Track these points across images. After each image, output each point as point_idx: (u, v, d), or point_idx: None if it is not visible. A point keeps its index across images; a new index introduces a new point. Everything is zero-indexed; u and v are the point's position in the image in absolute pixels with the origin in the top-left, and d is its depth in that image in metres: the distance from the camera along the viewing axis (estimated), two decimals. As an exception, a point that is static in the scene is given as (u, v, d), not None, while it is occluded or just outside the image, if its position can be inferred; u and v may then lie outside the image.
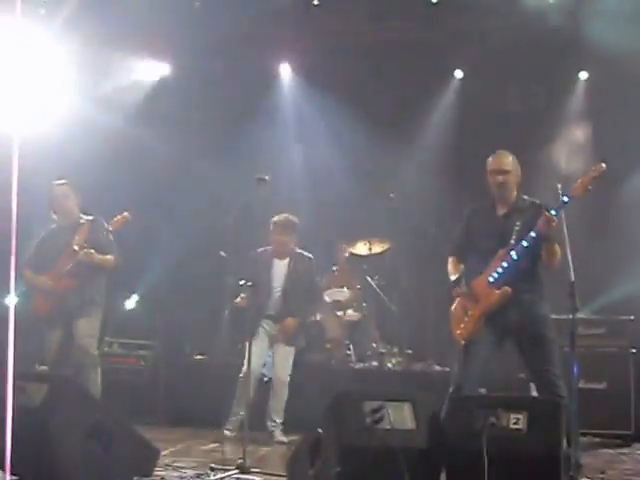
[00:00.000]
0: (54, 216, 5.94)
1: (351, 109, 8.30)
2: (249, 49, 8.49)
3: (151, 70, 8.97)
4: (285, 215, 6.42)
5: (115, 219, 5.82)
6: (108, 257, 5.77)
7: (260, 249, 6.48)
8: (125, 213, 5.83)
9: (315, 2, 8.24)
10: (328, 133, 8.70)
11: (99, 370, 5.75)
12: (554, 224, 4.48)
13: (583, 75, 8.50)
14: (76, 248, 5.65)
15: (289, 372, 6.35)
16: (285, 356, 6.36)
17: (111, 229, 5.79)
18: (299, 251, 6.48)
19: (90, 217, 5.93)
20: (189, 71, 8.87)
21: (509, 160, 4.87)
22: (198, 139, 8.83)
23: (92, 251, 5.65)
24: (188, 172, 8.65)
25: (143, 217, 8.02)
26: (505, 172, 4.82)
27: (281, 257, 6.43)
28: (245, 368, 5.47)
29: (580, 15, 7.51)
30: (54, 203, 5.91)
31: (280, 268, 6.41)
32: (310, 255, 6.48)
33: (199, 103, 8.86)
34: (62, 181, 5.98)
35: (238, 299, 6.54)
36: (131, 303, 8.43)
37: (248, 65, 8.61)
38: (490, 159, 4.89)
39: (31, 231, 6.03)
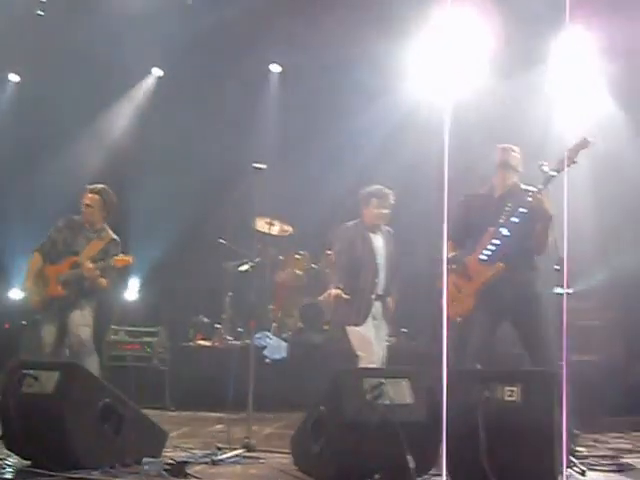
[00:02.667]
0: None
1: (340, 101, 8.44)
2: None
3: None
4: (379, 186, 5.88)
5: (120, 257, 5.77)
6: (103, 281, 5.81)
7: (350, 223, 5.94)
8: (129, 257, 5.81)
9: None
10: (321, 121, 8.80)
11: (96, 357, 5.87)
12: (540, 197, 4.59)
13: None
14: (79, 262, 5.73)
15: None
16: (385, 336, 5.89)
17: (112, 263, 5.74)
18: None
19: (113, 236, 5.92)
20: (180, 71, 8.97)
21: (516, 154, 5.05)
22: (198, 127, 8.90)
23: (98, 273, 5.71)
24: (184, 160, 8.75)
25: (143, 204, 8.24)
26: (514, 150, 5.01)
27: (375, 231, 5.87)
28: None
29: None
30: (82, 209, 5.92)
31: (379, 243, 5.85)
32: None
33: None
34: (94, 186, 5.95)
35: (327, 294, 5.85)
36: (132, 293, 8.56)
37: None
38: (500, 151, 5.07)
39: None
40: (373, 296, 5.70)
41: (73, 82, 8.39)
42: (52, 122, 8.40)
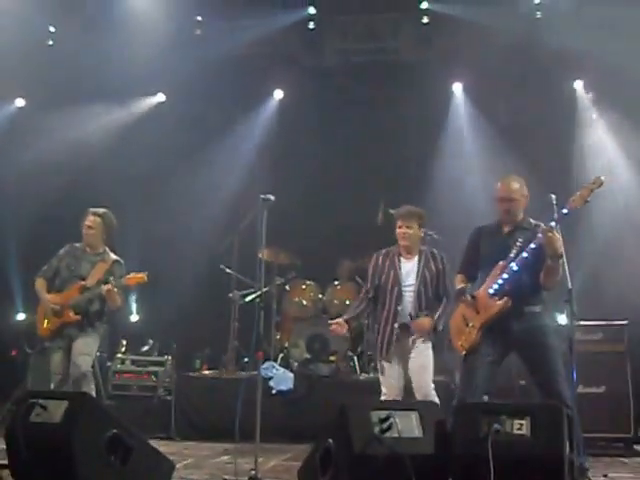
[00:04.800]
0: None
1: (344, 129, 8.52)
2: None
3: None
4: (407, 206, 5.66)
5: (133, 275, 5.81)
6: (119, 298, 5.85)
7: (385, 249, 5.71)
8: (143, 274, 5.81)
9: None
10: (322, 151, 8.88)
11: (93, 385, 5.84)
12: (551, 235, 4.60)
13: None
14: (88, 285, 5.79)
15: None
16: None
17: (124, 283, 5.80)
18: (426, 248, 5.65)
19: (115, 257, 6.01)
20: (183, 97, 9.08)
21: (516, 187, 4.98)
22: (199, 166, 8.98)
23: (115, 290, 5.74)
24: (186, 191, 8.80)
25: (145, 235, 8.28)
26: (511, 200, 4.95)
27: (407, 254, 5.58)
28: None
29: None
30: (84, 231, 5.99)
31: (409, 267, 5.54)
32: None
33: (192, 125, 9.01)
34: (96, 210, 6.02)
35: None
36: (134, 316, 8.57)
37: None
38: (498, 185, 5.02)
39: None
40: (396, 325, 5.43)
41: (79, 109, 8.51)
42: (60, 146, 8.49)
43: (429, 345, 5.38)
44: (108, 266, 5.92)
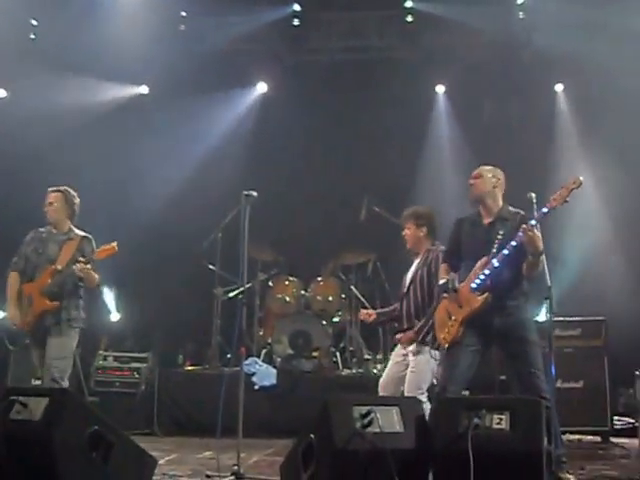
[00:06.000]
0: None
1: (328, 125, 8.54)
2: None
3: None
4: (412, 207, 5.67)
5: (102, 248, 5.63)
6: (95, 275, 5.66)
7: None
8: (113, 244, 5.63)
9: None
10: (306, 148, 8.90)
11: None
12: (531, 234, 4.65)
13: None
14: (59, 268, 5.60)
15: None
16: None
17: (94, 258, 5.61)
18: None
19: (82, 234, 5.80)
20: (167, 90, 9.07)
21: (486, 169, 5.07)
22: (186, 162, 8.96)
23: (89, 266, 5.55)
24: (168, 187, 8.80)
25: (128, 231, 8.26)
26: (477, 177, 5.03)
27: (416, 256, 5.60)
28: None
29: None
30: (45, 209, 5.80)
31: (412, 269, 5.58)
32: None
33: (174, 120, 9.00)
34: (56, 188, 5.84)
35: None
36: (116, 315, 8.55)
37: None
38: (470, 181, 5.09)
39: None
40: (396, 325, 5.59)
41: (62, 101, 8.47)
42: (41, 139, 8.43)
43: (419, 353, 5.33)
44: (77, 244, 5.70)
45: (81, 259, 5.56)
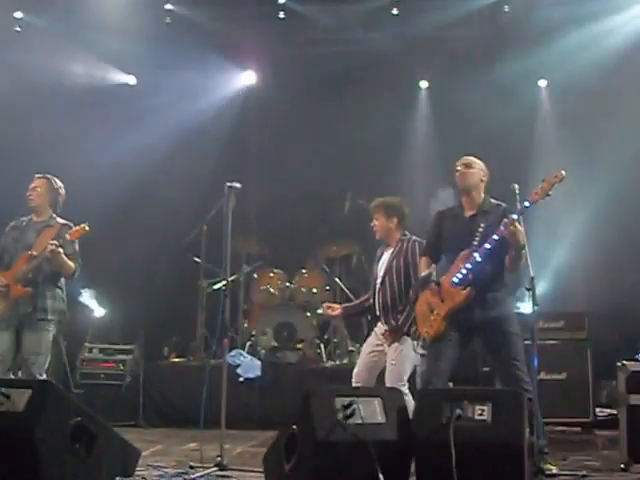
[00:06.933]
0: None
1: (313, 118, 8.54)
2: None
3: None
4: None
5: (74, 229, 5.55)
6: (71, 263, 5.55)
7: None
8: (84, 224, 5.55)
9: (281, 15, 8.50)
10: (291, 141, 8.90)
11: None
12: (513, 229, 4.66)
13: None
14: (35, 253, 5.49)
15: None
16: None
17: (69, 238, 5.50)
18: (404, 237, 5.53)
19: (63, 221, 5.72)
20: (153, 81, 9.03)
21: (475, 160, 5.09)
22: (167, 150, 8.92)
23: (60, 250, 5.41)
24: (152, 180, 8.76)
25: (115, 224, 8.23)
26: (466, 165, 5.03)
27: (388, 246, 5.56)
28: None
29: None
30: (28, 194, 5.71)
31: (385, 259, 5.52)
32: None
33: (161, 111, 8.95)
34: (41, 175, 5.75)
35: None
36: (99, 311, 8.50)
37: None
38: (457, 170, 5.10)
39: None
40: (369, 317, 5.57)
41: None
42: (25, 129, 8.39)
43: (400, 344, 5.29)
44: (56, 230, 5.60)
45: (53, 242, 5.42)
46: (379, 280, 5.45)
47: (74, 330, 7.42)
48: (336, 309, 5.74)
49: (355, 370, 5.48)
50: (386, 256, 5.50)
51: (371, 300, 5.54)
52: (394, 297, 5.38)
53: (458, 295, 4.84)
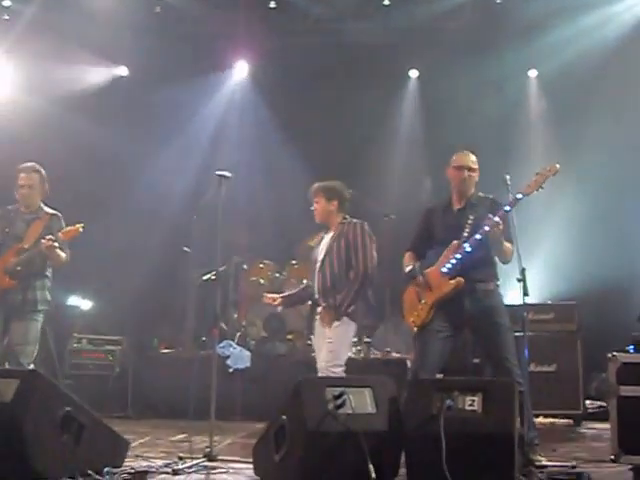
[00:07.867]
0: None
1: (304, 108, 8.51)
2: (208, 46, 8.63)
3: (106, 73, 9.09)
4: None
5: (67, 229, 5.53)
6: (62, 254, 5.55)
7: None
8: (78, 225, 5.54)
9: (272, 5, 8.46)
10: (282, 131, 8.86)
11: None
12: (496, 229, 4.66)
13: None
14: (25, 246, 5.50)
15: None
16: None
17: (62, 238, 5.48)
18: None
19: (51, 211, 5.70)
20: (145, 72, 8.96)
21: (474, 159, 5.05)
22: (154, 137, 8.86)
23: (56, 245, 5.41)
24: (144, 169, 8.71)
25: (102, 215, 8.18)
26: (471, 169, 5.00)
27: (329, 230, 5.44)
28: None
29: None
30: (17, 188, 5.65)
31: (325, 242, 5.41)
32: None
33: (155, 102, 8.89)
34: (30, 166, 5.68)
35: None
36: (86, 304, 8.46)
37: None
38: (456, 156, 5.06)
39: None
40: (309, 302, 5.42)
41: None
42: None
43: (338, 324, 5.16)
44: (45, 222, 5.59)
45: (48, 236, 5.43)
46: (318, 264, 5.30)
47: (63, 320, 7.39)
48: (276, 299, 5.60)
49: (318, 365, 5.31)
50: (326, 239, 5.37)
51: (312, 284, 5.36)
52: (334, 279, 5.21)
53: (446, 285, 4.84)
